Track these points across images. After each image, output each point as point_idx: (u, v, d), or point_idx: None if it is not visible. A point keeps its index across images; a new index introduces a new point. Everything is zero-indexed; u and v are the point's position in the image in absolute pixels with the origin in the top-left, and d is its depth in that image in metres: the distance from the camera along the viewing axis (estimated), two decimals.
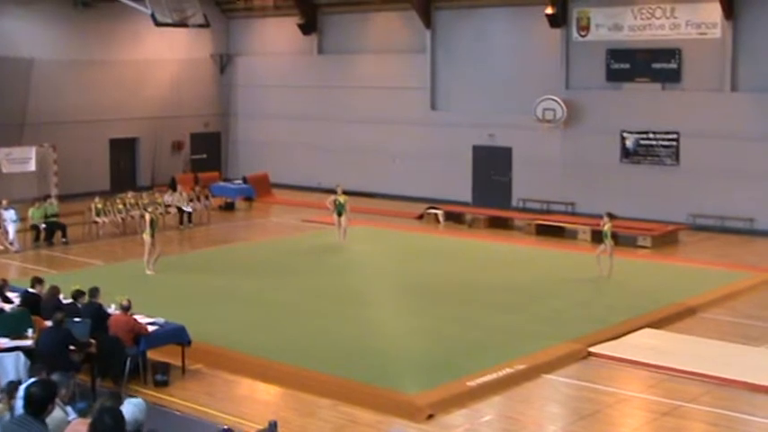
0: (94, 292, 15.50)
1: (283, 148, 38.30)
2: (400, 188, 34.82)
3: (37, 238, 26.89)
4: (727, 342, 17.33)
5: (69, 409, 9.44)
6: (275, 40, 39.24)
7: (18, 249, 25.97)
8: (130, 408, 7.88)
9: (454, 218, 30.63)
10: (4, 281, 17.32)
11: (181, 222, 29.97)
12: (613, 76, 30.31)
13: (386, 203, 33.84)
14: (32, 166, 31.12)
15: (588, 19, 30.65)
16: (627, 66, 29.99)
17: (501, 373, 15.11)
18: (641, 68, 29.67)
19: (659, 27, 29.27)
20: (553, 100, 30.72)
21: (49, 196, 29.32)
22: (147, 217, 23.07)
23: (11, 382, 10.38)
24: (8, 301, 16.27)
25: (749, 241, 27.02)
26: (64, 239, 27.09)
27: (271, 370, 15.48)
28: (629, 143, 29.92)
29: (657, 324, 18.32)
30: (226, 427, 10.95)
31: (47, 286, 16.20)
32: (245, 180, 35.65)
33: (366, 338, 17.34)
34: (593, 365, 16.03)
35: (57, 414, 8.12)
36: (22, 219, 26.81)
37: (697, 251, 26.06)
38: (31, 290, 16.29)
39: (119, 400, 9.43)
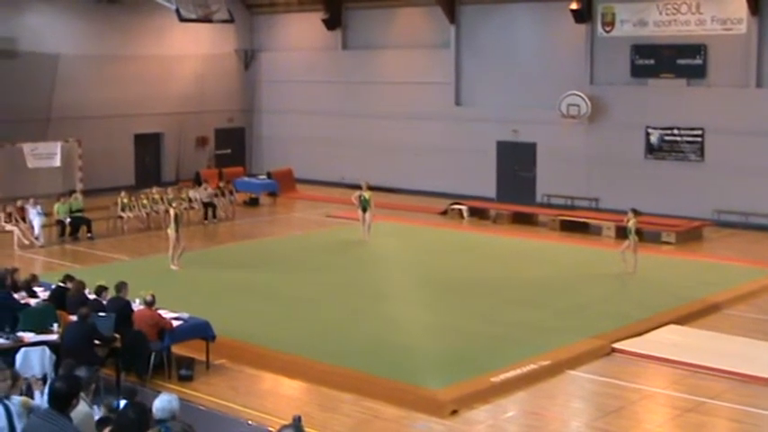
0: (121, 287, 15.55)
1: (307, 144, 38.36)
2: (424, 184, 34.80)
3: (62, 233, 27.06)
4: (750, 339, 17.25)
5: (96, 407, 9.53)
6: (299, 35, 39.27)
7: (43, 244, 26.17)
8: (166, 397, 8.00)
9: (478, 213, 30.59)
10: (34, 276, 17.45)
11: (205, 218, 30.07)
12: (638, 72, 30.16)
13: (410, 199, 33.78)
14: (57, 162, 31.29)
15: (613, 14, 30.52)
16: (652, 61, 29.84)
17: (525, 369, 15.12)
18: (666, 64, 29.52)
19: (684, 23, 29.11)
20: (577, 95, 30.62)
21: (74, 191, 29.45)
22: (172, 212, 23.14)
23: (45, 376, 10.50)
24: (34, 295, 16.39)
25: None
26: (89, 234, 27.25)
27: (294, 365, 15.53)
28: (653, 139, 29.78)
29: (681, 320, 18.27)
30: (251, 422, 11.00)
31: None
32: (269, 175, 35.72)
33: (390, 334, 17.36)
34: (617, 361, 16.01)
35: (82, 408, 8.19)
36: (47, 214, 27.01)
37: (721, 247, 25.92)
38: (62, 284, 16.41)
39: (134, 395, 9.54)
